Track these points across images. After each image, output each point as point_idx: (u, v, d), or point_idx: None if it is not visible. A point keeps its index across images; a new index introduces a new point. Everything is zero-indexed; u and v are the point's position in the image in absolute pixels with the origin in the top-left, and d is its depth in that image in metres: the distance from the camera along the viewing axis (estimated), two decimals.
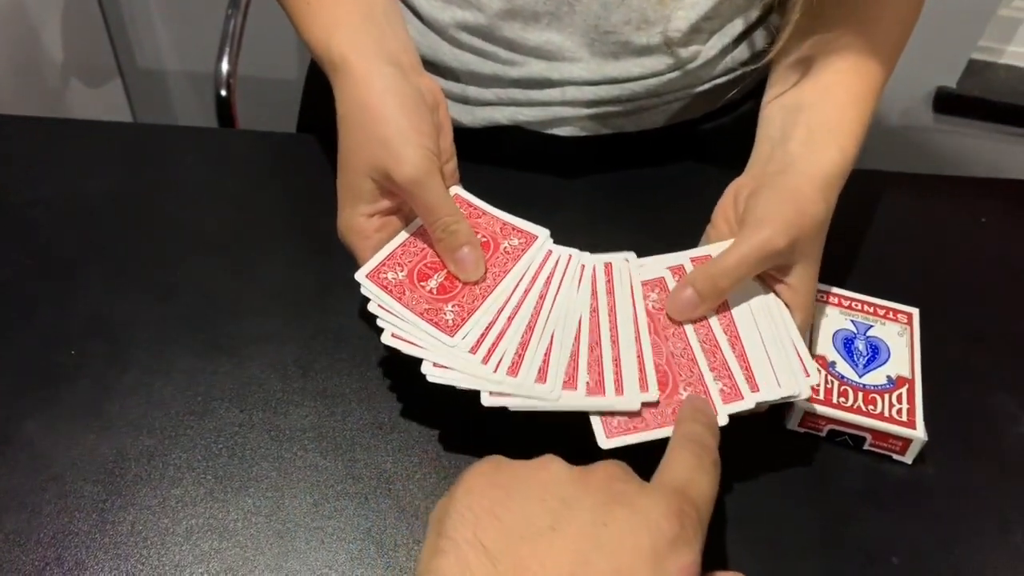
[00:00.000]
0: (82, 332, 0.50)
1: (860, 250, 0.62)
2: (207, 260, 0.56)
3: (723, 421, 0.42)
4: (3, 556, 0.40)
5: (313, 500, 0.44)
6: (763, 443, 0.49)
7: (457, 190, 0.51)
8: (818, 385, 0.49)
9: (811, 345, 0.51)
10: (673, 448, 0.37)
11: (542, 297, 0.47)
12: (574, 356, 0.44)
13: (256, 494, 0.44)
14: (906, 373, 0.51)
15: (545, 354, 0.44)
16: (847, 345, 0.52)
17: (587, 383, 0.43)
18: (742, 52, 0.64)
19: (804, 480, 0.48)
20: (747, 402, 0.43)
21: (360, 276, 0.47)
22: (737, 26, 0.62)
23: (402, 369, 0.50)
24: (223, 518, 0.43)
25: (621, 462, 0.35)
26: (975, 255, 0.63)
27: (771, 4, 0.63)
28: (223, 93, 0.98)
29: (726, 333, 0.46)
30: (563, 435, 0.44)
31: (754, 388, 0.44)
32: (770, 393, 0.43)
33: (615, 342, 0.45)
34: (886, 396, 0.49)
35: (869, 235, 0.63)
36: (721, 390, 0.43)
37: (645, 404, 0.43)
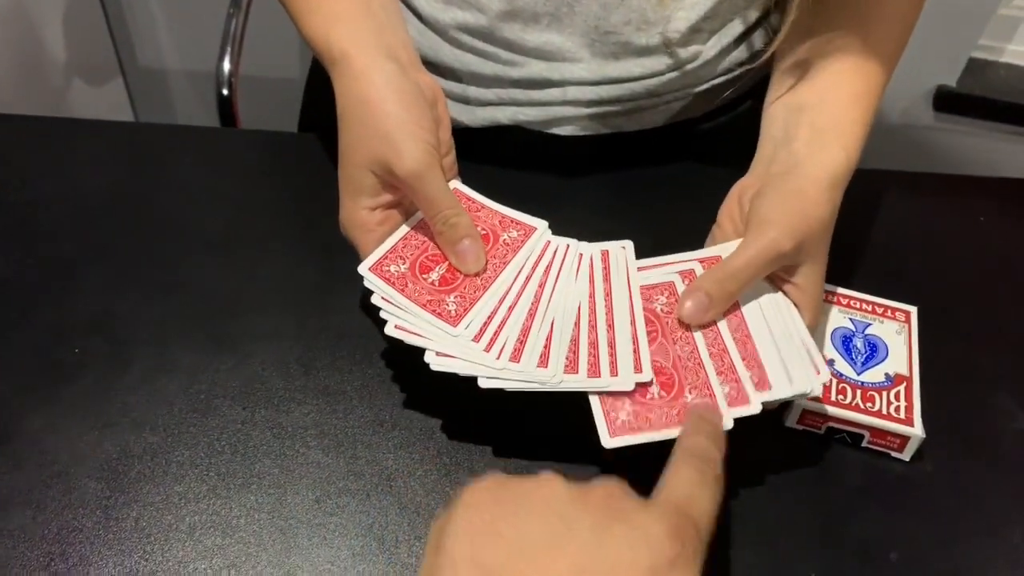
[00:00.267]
0: (84, 330, 0.51)
1: (859, 248, 0.62)
2: (208, 258, 0.56)
3: (728, 425, 0.42)
4: (9, 552, 0.41)
5: (315, 497, 0.44)
6: (762, 441, 0.49)
7: (456, 184, 0.52)
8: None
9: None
10: (676, 462, 0.37)
11: (541, 286, 0.48)
12: (574, 341, 0.45)
13: (259, 491, 0.44)
14: (904, 371, 0.51)
15: (546, 341, 0.45)
16: (845, 343, 0.52)
17: (586, 367, 0.44)
18: (741, 52, 0.64)
19: (803, 477, 0.48)
20: (753, 407, 0.43)
21: (363, 269, 0.47)
22: (736, 27, 0.62)
23: (403, 366, 0.50)
24: (226, 514, 0.43)
25: (621, 480, 0.35)
26: (974, 254, 0.63)
27: (769, 5, 0.63)
28: (225, 92, 0.98)
29: (735, 334, 0.46)
30: (566, 434, 0.45)
31: (765, 387, 0.44)
32: (782, 391, 0.43)
33: (611, 326, 0.46)
34: (884, 394, 0.49)
35: (868, 234, 0.64)
36: (728, 394, 0.43)
37: (647, 398, 0.43)
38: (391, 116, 0.46)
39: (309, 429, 0.47)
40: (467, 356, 0.44)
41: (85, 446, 0.45)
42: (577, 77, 0.60)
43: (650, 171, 0.66)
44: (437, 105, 0.50)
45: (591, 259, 0.50)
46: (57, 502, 0.43)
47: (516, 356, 0.44)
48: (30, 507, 0.42)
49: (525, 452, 0.47)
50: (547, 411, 0.45)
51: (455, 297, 0.46)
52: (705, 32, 0.61)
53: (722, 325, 0.47)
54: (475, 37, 0.60)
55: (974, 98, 1.35)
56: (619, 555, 0.31)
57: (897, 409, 0.49)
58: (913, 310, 0.55)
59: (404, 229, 0.50)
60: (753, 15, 0.63)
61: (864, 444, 0.49)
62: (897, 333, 0.53)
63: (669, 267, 0.50)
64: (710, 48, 0.61)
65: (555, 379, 0.43)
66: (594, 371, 0.44)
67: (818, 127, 0.52)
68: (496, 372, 0.43)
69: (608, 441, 0.42)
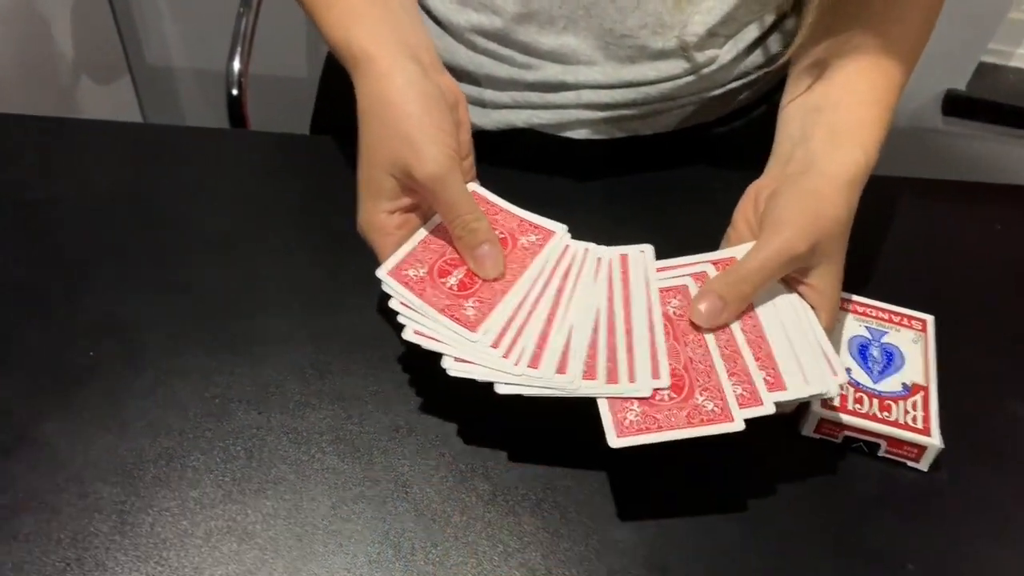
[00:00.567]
0: (97, 332, 0.50)
1: (874, 256, 0.62)
2: (221, 260, 0.56)
3: (739, 426, 0.42)
4: (24, 557, 0.40)
5: (331, 503, 0.44)
6: (778, 449, 0.49)
7: (474, 187, 0.52)
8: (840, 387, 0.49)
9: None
10: None
11: (560, 291, 0.48)
12: (592, 347, 0.45)
13: (275, 496, 0.44)
14: (921, 380, 0.51)
15: (564, 346, 0.45)
16: (862, 352, 0.52)
17: (605, 373, 0.44)
18: (757, 57, 0.64)
19: (819, 486, 0.48)
20: (766, 407, 0.43)
21: (381, 273, 0.47)
22: (752, 31, 0.62)
23: (418, 371, 0.50)
24: (242, 520, 0.43)
25: None
26: (990, 262, 0.63)
27: (786, 9, 0.63)
28: (234, 92, 0.98)
29: (749, 335, 0.46)
30: (581, 439, 0.45)
31: (779, 387, 0.44)
32: (798, 391, 0.43)
33: (629, 331, 0.46)
34: (901, 403, 0.49)
35: (883, 241, 0.63)
36: (740, 395, 0.43)
37: (656, 399, 0.43)
38: (412, 118, 0.46)
39: (324, 434, 0.47)
40: (485, 362, 0.44)
41: (99, 450, 0.45)
42: (592, 80, 0.60)
43: (664, 175, 0.66)
44: (458, 108, 0.50)
45: (610, 263, 0.49)
46: (72, 507, 0.43)
47: (534, 362, 0.44)
48: (45, 512, 0.42)
49: (541, 458, 0.47)
50: (563, 416, 0.45)
51: (473, 302, 0.46)
52: (721, 36, 0.60)
53: (735, 326, 0.47)
54: (490, 40, 0.60)
55: (983, 102, 1.35)
56: None
57: (914, 419, 0.48)
58: (930, 319, 0.54)
59: (422, 233, 0.49)
60: (769, 19, 0.62)
61: (881, 453, 0.49)
62: (914, 342, 0.53)
63: (682, 269, 0.50)
64: (726, 52, 0.61)
65: (573, 385, 0.43)
66: (612, 377, 0.44)
67: (835, 126, 0.51)
68: (514, 378, 0.43)
69: (615, 441, 0.41)
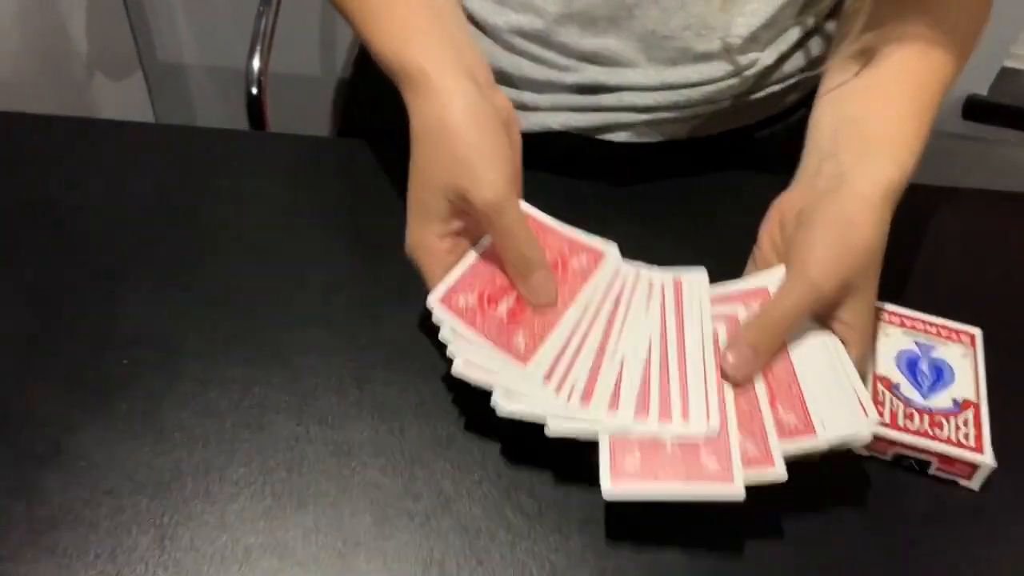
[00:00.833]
0: (132, 340, 0.49)
1: (917, 267, 0.60)
2: (256, 267, 0.55)
3: (738, 494, 0.40)
4: (62, 571, 0.39)
5: (373, 519, 0.43)
6: (826, 466, 0.47)
7: (523, 206, 0.50)
8: (883, 408, 0.48)
9: (874, 366, 0.50)
10: None
11: (611, 322, 0.46)
12: (644, 382, 0.43)
13: (315, 511, 0.43)
14: (972, 396, 0.49)
15: (616, 382, 0.43)
16: (911, 366, 0.51)
17: (657, 410, 0.42)
18: (798, 59, 0.63)
19: (868, 504, 0.47)
20: (777, 471, 0.41)
21: (433, 302, 0.45)
22: (794, 33, 0.61)
23: (459, 384, 0.49)
24: (282, 536, 0.42)
25: None
26: None
27: (827, 12, 0.62)
28: (254, 91, 0.97)
29: (775, 380, 0.45)
30: None
31: (808, 432, 0.42)
32: (829, 435, 0.42)
33: (683, 366, 0.44)
34: (952, 420, 0.48)
35: (926, 252, 0.62)
36: (751, 455, 0.41)
37: (661, 448, 0.41)
38: (471, 142, 0.44)
39: (365, 447, 0.46)
40: (536, 396, 0.42)
41: (136, 462, 0.44)
42: (633, 83, 0.59)
43: (703, 179, 0.65)
44: (512, 128, 0.48)
45: (663, 289, 0.48)
46: (110, 520, 0.41)
47: (586, 398, 0.42)
48: (82, 525, 0.41)
49: (587, 475, 0.45)
50: None
51: (524, 332, 0.45)
52: (764, 39, 0.59)
53: (759, 383, 0.45)
54: (530, 41, 0.59)
55: (1005, 107, 1.34)
56: None
57: (966, 436, 0.47)
58: (977, 332, 0.53)
59: (472, 256, 0.47)
60: (810, 22, 0.61)
61: (931, 471, 0.48)
62: (963, 356, 0.52)
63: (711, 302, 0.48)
64: (768, 55, 0.60)
65: (624, 423, 0.42)
66: (665, 414, 0.42)
67: (868, 137, 0.49)
68: (565, 419, 0.42)
69: (609, 490, 0.40)
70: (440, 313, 0.45)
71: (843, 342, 0.46)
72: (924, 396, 0.49)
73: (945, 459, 0.47)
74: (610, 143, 0.62)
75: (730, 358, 0.45)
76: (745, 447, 0.41)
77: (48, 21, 1.19)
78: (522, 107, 0.62)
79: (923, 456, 0.47)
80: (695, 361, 0.44)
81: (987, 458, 0.46)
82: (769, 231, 0.50)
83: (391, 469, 0.45)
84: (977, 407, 0.49)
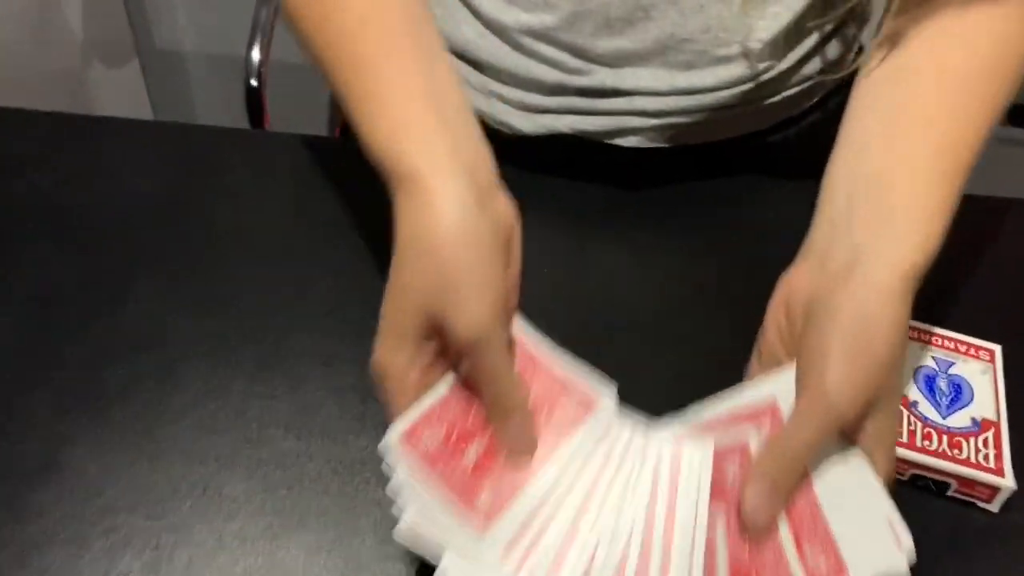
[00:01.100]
0: (131, 348, 0.48)
1: (935, 278, 0.58)
2: (258, 272, 0.53)
3: None
4: None
5: (378, 539, 0.42)
6: None
7: (516, 326, 0.43)
8: (900, 427, 0.47)
9: None
10: None
11: (591, 493, 0.40)
12: (618, 571, 0.38)
13: (317, 530, 0.42)
14: (991, 415, 0.48)
15: (585, 569, 0.38)
16: (929, 383, 0.49)
17: None
18: (815, 63, 0.61)
19: None
20: None
21: (392, 440, 0.37)
22: (812, 38, 0.59)
23: None
24: (283, 557, 0.41)
25: None
26: None
27: (846, 16, 0.60)
28: (253, 83, 0.95)
29: (798, 518, 0.39)
30: None
31: (841, 572, 0.37)
32: (860, 573, 0.37)
33: (666, 557, 0.39)
34: (972, 440, 0.47)
35: (945, 262, 0.60)
36: None
37: None
38: (460, 265, 0.38)
39: (367, 463, 0.44)
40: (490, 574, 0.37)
41: (132, 478, 0.42)
42: (646, 87, 0.57)
43: (714, 184, 0.63)
44: (512, 242, 0.42)
45: (657, 462, 0.41)
46: (104, 540, 0.40)
47: None
48: (73, 546, 0.40)
49: None
50: None
51: (490, 488, 0.39)
52: (783, 43, 0.58)
53: (782, 522, 0.39)
54: (540, 41, 0.57)
55: None
56: None
57: (986, 457, 0.46)
58: (997, 349, 0.52)
59: (444, 387, 0.40)
60: (829, 26, 0.60)
61: (950, 493, 0.46)
62: (982, 373, 0.50)
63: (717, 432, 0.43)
64: (787, 60, 0.59)
65: None
66: None
67: (888, 205, 0.42)
68: None
69: None
70: (396, 455, 0.37)
71: (867, 453, 0.40)
72: (943, 415, 0.48)
73: (965, 481, 0.46)
74: (619, 147, 0.60)
75: (748, 499, 0.39)
76: None
77: (45, 8, 1.17)
78: (528, 109, 0.60)
79: (942, 478, 0.46)
80: (681, 554, 0.39)
81: (1008, 481, 0.45)
82: (775, 315, 0.44)
83: None
84: (997, 426, 0.48)
